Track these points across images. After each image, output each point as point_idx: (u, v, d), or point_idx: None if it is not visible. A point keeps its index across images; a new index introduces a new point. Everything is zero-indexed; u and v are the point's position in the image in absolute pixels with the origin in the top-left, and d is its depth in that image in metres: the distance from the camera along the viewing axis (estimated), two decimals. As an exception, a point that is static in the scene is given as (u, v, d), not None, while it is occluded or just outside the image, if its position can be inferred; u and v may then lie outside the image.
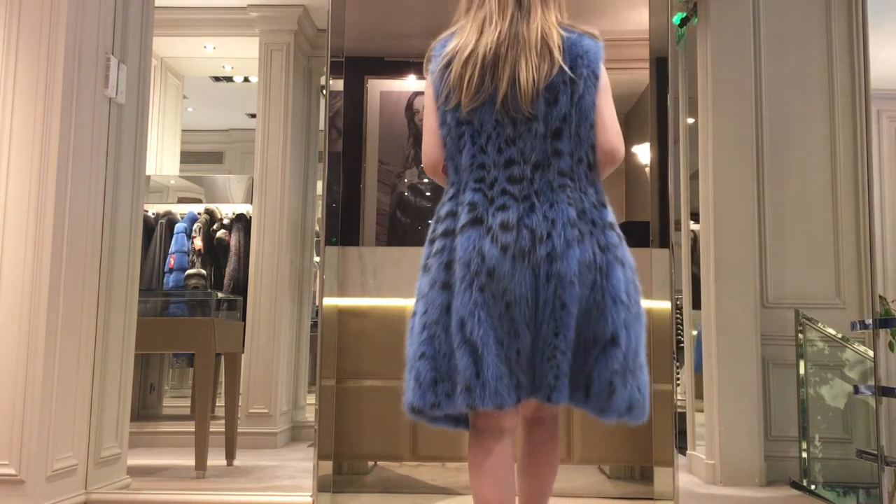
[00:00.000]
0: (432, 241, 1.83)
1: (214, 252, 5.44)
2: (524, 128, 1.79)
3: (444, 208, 1.85)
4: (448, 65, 1.83)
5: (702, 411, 4.02)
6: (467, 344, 1.70)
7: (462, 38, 1.84)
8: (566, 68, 1.79)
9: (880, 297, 4.36)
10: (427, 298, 1.78)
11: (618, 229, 1.83)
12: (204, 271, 5.31)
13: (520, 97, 1.77)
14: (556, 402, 1.74)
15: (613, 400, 1.74)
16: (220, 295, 4.52)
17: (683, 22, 4.31)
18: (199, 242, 5.36)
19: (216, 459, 4.06)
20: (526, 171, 1.78)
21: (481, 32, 1.83)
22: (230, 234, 5.42)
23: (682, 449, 4.20)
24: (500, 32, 1.81)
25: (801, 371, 3.89)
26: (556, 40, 1.81)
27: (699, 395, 4.09)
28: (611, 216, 1.83)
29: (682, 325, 4.86)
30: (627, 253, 1.83)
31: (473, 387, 1.68)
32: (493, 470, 1.76)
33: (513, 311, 1.70)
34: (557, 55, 1.79)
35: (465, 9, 1.92)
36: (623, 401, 1.75)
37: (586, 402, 1.77)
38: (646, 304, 3.38)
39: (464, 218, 1.77)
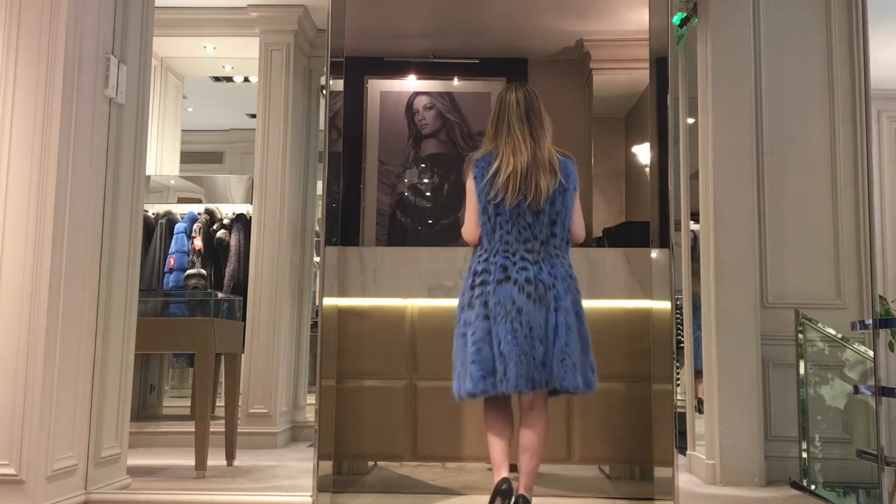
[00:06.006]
0: (472, 288, 2.83)
1: (214, 252, 5.44)
2: (536, 218, 2.84)
3: (479, 266, 2.85)
4: (495, 175, 2.84)
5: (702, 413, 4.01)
6: (501, 356, 2.74)
7: (503, 159, 2.86)
8: (563, 182, 2.87)
9: (880, 297, 4.36)
10: (474, 325, 2.79)
11: (576, 282, 2.89)
12: (204, 271, 5.30)
13: (540, 198, 2.83)
14: (569, 386, 2.76)
15: (590, 378, 2.86)
16: (220, 295, 4.51)
17: (683, 22, 4.31)
18: (199, 242, 5.36)
19: (216, 459, 4.06)
20: (536, 245, 2.84)
21: (514, 155, 2.85)
22: (230, 234, 5.42)
23: (682, 449, 4.20)
24: (527, 157, 2.85)
25: (801, 371, 3.90)
26: (556, 163, 2.88)
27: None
28: (574, 273, 2.89)
29: (682, 325, 4.86)
30: (580, 297, 2.90)
31: (503, 380, 2.73)
32: (498, 420, 2.84)
33: (534, 332, 2.75)
34: (559, 174, 2.87)
35: (493, 136, 2.93)
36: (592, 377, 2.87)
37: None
38: (646, 304, 3.41)
39: (497, 275, 2.80)
